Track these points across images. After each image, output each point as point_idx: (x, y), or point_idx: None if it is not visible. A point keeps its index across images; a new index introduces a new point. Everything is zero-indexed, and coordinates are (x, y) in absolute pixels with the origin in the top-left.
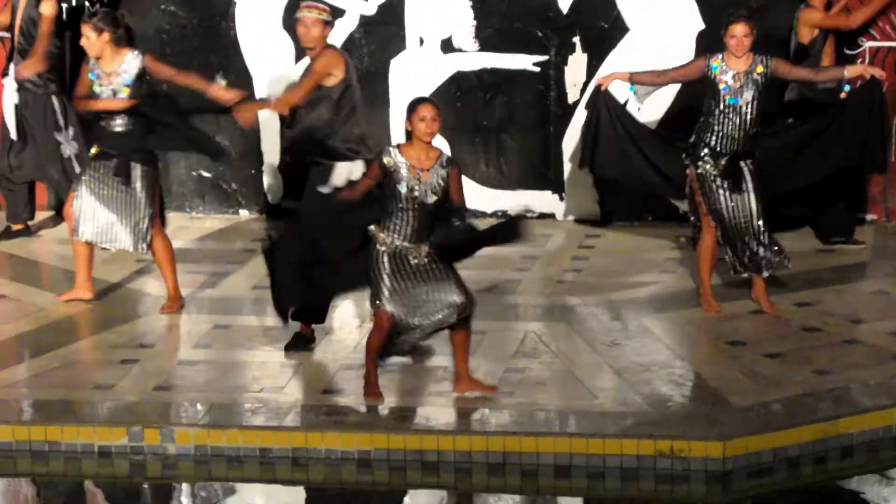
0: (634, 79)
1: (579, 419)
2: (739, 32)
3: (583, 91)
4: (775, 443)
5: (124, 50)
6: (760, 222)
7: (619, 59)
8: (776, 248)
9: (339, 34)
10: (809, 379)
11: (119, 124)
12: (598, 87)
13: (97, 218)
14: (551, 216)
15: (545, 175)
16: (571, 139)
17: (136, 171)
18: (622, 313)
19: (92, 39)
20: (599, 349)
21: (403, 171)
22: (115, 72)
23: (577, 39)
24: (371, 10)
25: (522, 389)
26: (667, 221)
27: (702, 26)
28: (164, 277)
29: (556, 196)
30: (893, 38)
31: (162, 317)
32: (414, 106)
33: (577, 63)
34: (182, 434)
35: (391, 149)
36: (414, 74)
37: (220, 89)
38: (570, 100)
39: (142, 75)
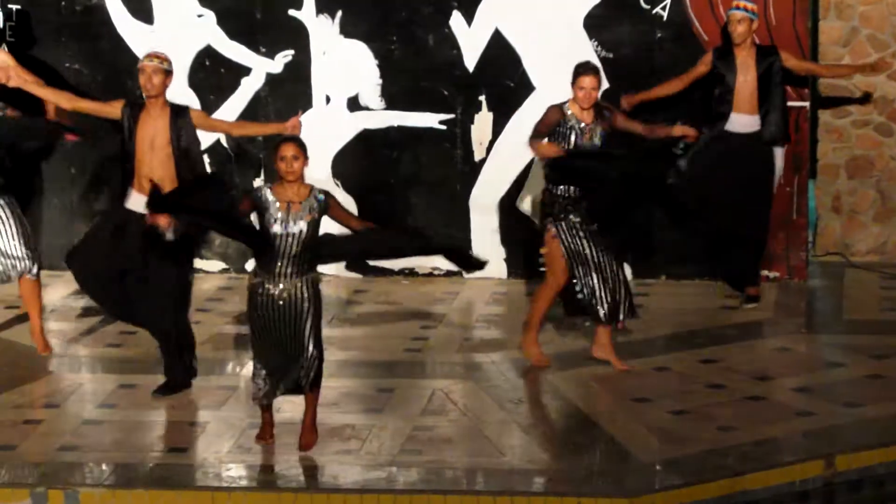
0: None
1: (487, 477)
2: (588, 84)
3: (489, 149)
4: (681, 499)
5: None
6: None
7: (525, 118)
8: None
9: (245, 92)
10: (715, 435)
11: None
12: None
13: None
14: (458, 274)
15: (451, 232)
16: (478, 197)
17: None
18: (529, 370)
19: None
20: (506, 406)
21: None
22: None
23: (483, 98)
24: (277, 68)
25: (430, 447)
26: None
27: (606, 85)
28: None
29: None
30: (794, 98)
31: (66, 376)
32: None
33: (483, 121)
34: (87, 495)
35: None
36: (320, 133)
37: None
38: (477, 158)
39: None
